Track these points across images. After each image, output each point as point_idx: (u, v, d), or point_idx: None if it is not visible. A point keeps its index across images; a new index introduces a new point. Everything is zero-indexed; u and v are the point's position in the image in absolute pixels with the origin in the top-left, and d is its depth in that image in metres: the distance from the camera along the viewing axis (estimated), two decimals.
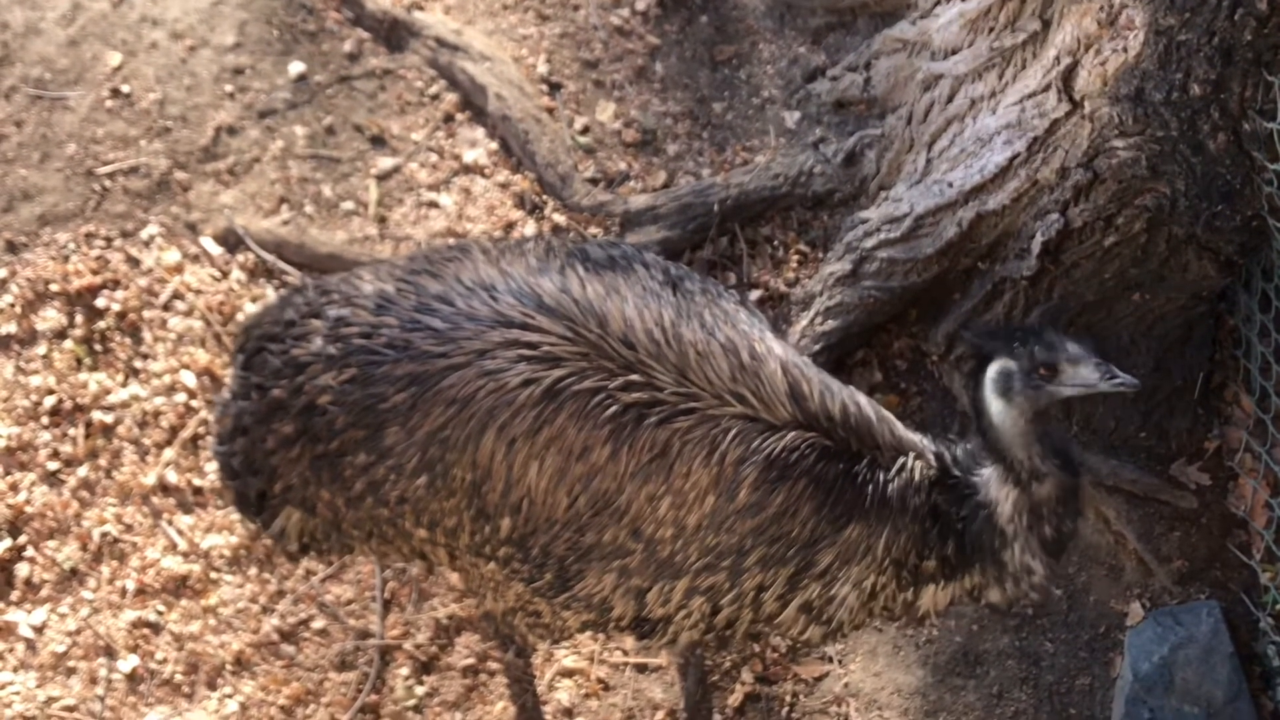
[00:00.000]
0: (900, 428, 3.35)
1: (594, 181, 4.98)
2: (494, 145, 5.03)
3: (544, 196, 4.94)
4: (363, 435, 3.19)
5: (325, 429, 3.23)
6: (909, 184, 4.54)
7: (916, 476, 3.28)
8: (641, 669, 4.33)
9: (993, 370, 3.18)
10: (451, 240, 4.80)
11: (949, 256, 4.44)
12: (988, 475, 3.29)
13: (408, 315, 3.18)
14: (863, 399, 3.30)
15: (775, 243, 4.88)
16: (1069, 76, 3.89)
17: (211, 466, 4.46)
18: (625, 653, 4.34)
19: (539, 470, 3.13)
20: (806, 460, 3.15)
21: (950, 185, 4.34)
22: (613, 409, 3.08)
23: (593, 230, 4.84)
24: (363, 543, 3.45)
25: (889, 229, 4.52)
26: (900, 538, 3.27)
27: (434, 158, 5.01)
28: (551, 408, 3.08)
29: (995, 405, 3.19)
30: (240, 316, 4.66)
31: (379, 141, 5.01)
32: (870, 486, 3.21)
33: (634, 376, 3.10)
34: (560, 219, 4.89)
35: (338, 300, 3.30)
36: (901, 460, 3.27)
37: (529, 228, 4.86)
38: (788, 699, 4.30)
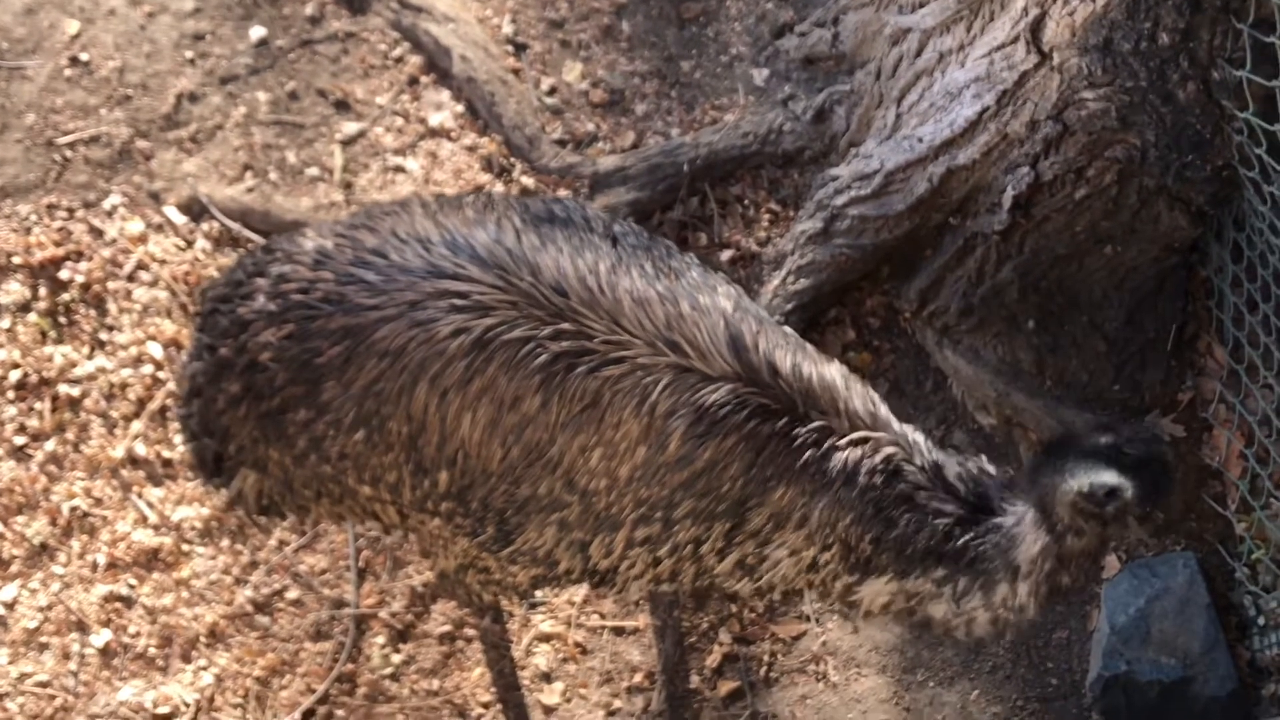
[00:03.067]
0: (885, 411, 3.23)
1: (562, 143, 4.93)
2: (460, 108, 4.97)
3: (511, 159, 4.89)
4: (302, 391, 3.17)
5: (267, 385, 3.20)
6: (879, 140, 4.52)
7: (879, 458, 3.14)
8: (619, 632, 4.33)
9: (1105, 479, 2.97)
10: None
11: (920, 212, 4.41)
12: (1021, 511, 3.16)
13: (343, 269, 3.14)
14: (837, 369, 3.20)
15: (746, 202, 4.85)
16: (1037, 28, 3.86)
17: (181, 439, 4.41)
18: (603, 616, 4.34)
19: (472, 421, 3.09)
20: (738, 415, 3.06)
21: (920, 140, 4.31)
22: (542, 358, 3.03)
23: (561, 193, 4.80)
24: (315, 503, 3.42)
25: (860, 186, 4.48)
26: (843, 514, 3.14)
27: (399, 122, 4.95)
28: (482, 357, 3.04)
29: (1073, 501, 3.01)
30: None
31: (343, 106, 4.94)
32: (810, 451, 3.11)
33: (565, 325, 3.04)
34: (528, 182, 4.84)
35: (280, 258, 3.27)
36: (866, 435, 3.15)
37: (497, 190, 4.81)
38: (765, 659, 4.31)
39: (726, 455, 3.08)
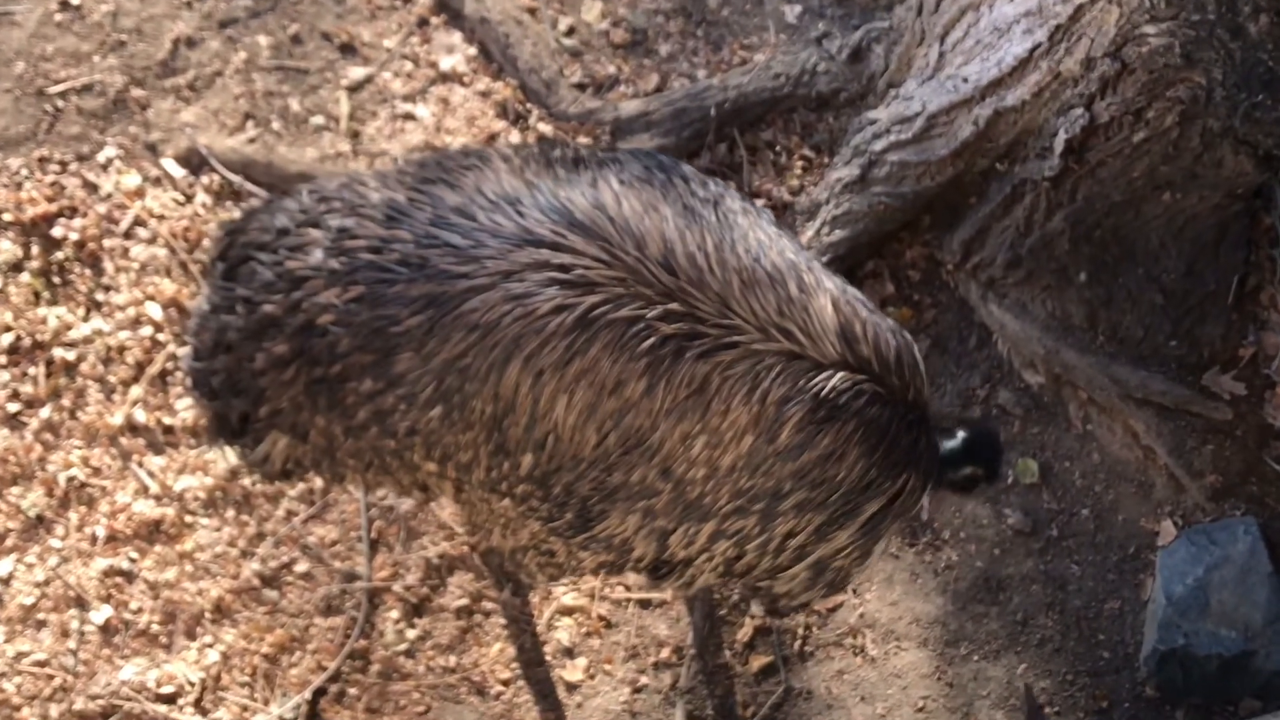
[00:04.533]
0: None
1: (581, 87, 4.71)
2: (473, 51, 4.75)
3: (528, 105, 4.68)
4: (370, 360, 2.94)
5: (326, 351, 2.97)
6: (920, 80, 4.30)
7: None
8: (645, 605, 4.15)
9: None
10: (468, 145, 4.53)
11: (964, 158, 4.20)
12: None
13: (423, 229, 2.91)
14: (901, 334, 3.12)
15: (777, 148, 4.64)
16: None
17: (183, 404, 4.23)
18: (628, 588, 4.16)
19: (567, 405, 2.90)
20: (858, 402, 2.96)
21: (965, 80, 4.09)
22: (651, 340, 2.85)
23: (581, 140, 4.59)
24: (358, 473, 3.22)
25: (900, 130, 4.28)
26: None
27: (409, 66, 4.73)
28: (584, 338, 2.84)
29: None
30: (207, 242, 4.41)
31: (349, 50, 4.72)
32: (924, 439, 3.09)
33: (674, 305, 2.87)
34: (546, 129, 4.63)
35: (340, 209, 3.03)
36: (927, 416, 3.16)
37: (513, 138, 4.61)
38: (800, 631, 4.14)
39: (845, 443, 2.97)
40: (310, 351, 3.00)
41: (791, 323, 2.92)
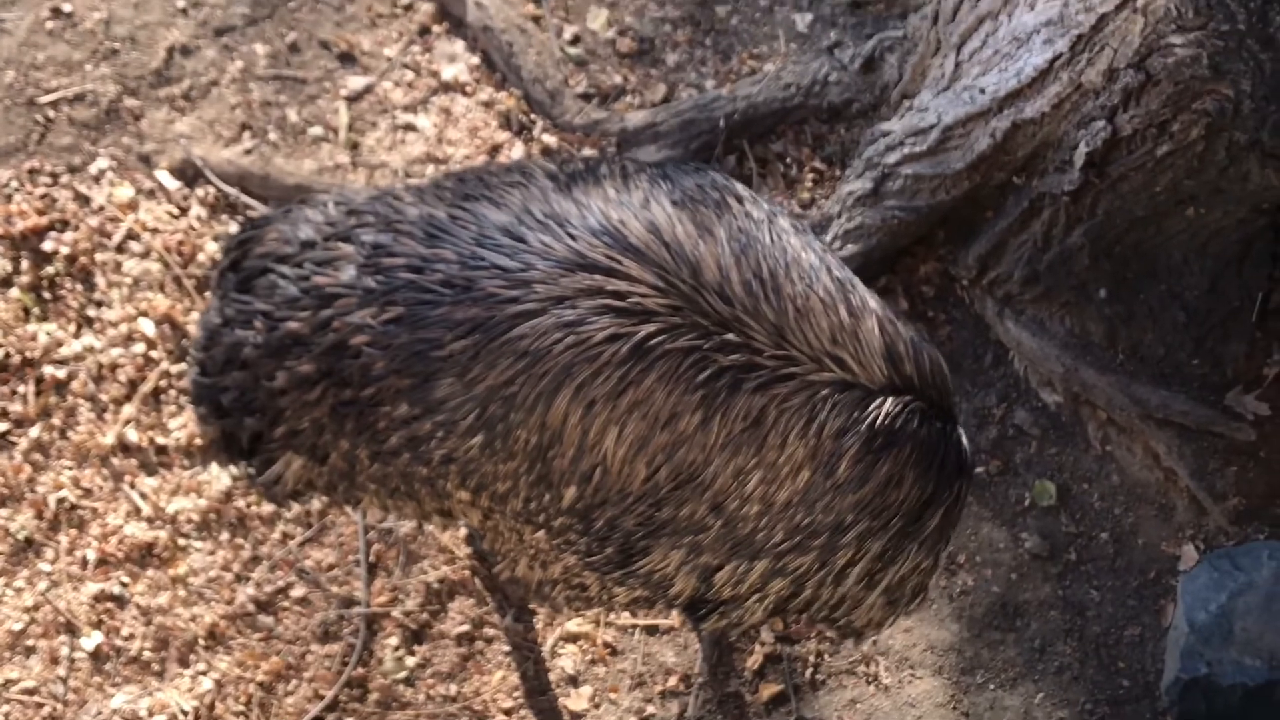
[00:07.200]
0: None
1: (586, 97, 4.61)
2: (475, 60, 4.65)
3: (532, 115, 4.57)
4: (408, 384, 2.83)
5: (359, 373, 2.86)
6: (935, 91, 4.19)
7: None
8: (652, 631, 4.04)
9: None
10: (501, 161, 4.43)
11: (981, 171, 4.10)
12: None
13: (468, 249, 2.80)
14: (929, 344, 3.06)
15: (788, 160, 4.54)
16: None
17: (176, 424, 4.12)
18: (633, 614, 4.04)
19: (618, 437, 2.79)
20: (910, 425, 2.88)
21: (982, 91, 3.98)
22: (708, 372, 2.75)
23: (586, 152, 4.49)
24: (378, 497, 3.11)
25: (914, 142, 4.18)
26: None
27: (410, 75, 4.62)
28: (639, 368, 2.74)
29: None
30: (202, 257, 4.30)
31: (348, 59, 4.62)
32: (963, 441, 3.03)
33: (730, 336, 2.77)
34: (550, 140, 4.53)
35: (373, 223, 2.92)
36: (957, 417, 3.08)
37: (516, 150, 4.50)
38: (811, 659, 4.03)
39: (903, 465, 2.89)
40: (340, 373, 2.89)
41: (844, 350, 2.84)
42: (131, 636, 3.96)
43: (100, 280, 4.27)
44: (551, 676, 3.97)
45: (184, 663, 3.94)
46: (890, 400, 2.86)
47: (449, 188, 2.98)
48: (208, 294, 4.08)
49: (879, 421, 2.84)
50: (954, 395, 3.04)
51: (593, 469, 2.84)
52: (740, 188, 3.02)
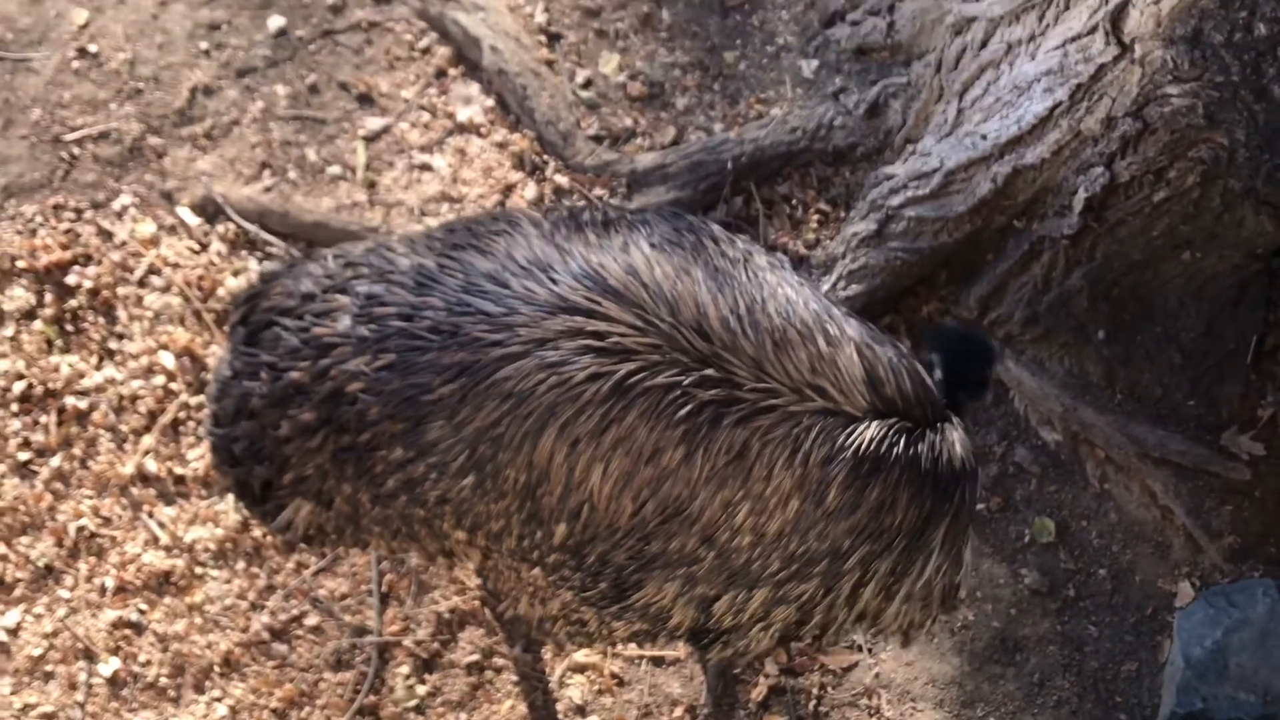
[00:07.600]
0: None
1: (598, 139, 4.68)
2: (490, 102, 4.73)
3: (544, 156, 4.64)
4: (401, 429, 2.90)
5: (355, 419, 2.93)
6: (938, 137, 4.26)
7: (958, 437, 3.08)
8: (658, 662, 4.09)
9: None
10: (495, 209, 4.51)
11: (982, 214, 4.16)
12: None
13: (455, 296, 2.88)
14: (909, 359, 3.08)
15: (793, 202, 4.60)
16: (1118, 17, 3.59)
17: (194, 454, 4.19)
18: (639, 645, 4.09)
19: (603, 474, 2.85)
20: (897, 447, 2.90)
21: (984, 138, 4.05)
22: (688, 408, 2.81)
23: (597, 192, 4.55)
24: (383, 540, 3.18)
25: (917, 185, 4.24)
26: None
27: (426, 117, 4.70)
28: (620, 405, 2.80)
29: None
30: (221, 291, 4.38)
31: (366, 100, 4.70)
32: (958, 444, 3.02)
33: (710, 371, 2.82)
34: (562, 180, 4.60)
35: (368, 274, 3.00)
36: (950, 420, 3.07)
37: (529, 190, 4.57)
38: (815, 691, 4.07)
39: (894, 488, 2.91)
40: (338, 419, 2.96)
41: (825, 379, 2.87)
42: (148, 663, 4.01)
43: (122, 314, 4.35)
44: (559, 706, 4.01)
45: (199, 689, 4.00)
46: (875, 425, 2.89)
47: (439, 238, 3.06)
48: (226, 329, 4.16)
49: (864, 447, 2.87)
50: (939, 403, 3.04)
51: (580, 505, 2.90)
52: (716, 228, 3.09)
